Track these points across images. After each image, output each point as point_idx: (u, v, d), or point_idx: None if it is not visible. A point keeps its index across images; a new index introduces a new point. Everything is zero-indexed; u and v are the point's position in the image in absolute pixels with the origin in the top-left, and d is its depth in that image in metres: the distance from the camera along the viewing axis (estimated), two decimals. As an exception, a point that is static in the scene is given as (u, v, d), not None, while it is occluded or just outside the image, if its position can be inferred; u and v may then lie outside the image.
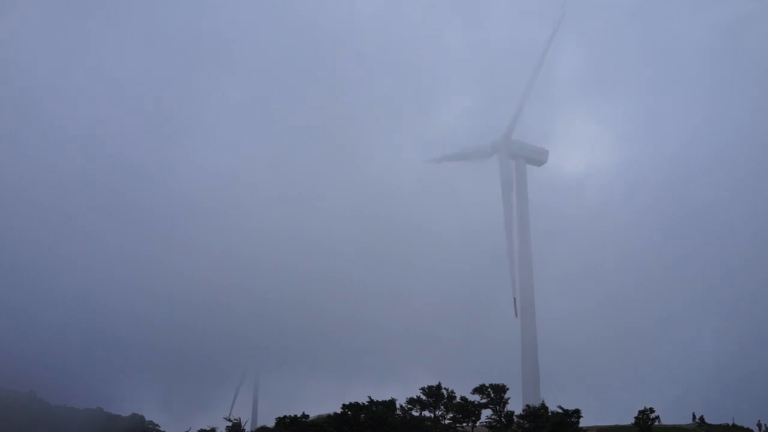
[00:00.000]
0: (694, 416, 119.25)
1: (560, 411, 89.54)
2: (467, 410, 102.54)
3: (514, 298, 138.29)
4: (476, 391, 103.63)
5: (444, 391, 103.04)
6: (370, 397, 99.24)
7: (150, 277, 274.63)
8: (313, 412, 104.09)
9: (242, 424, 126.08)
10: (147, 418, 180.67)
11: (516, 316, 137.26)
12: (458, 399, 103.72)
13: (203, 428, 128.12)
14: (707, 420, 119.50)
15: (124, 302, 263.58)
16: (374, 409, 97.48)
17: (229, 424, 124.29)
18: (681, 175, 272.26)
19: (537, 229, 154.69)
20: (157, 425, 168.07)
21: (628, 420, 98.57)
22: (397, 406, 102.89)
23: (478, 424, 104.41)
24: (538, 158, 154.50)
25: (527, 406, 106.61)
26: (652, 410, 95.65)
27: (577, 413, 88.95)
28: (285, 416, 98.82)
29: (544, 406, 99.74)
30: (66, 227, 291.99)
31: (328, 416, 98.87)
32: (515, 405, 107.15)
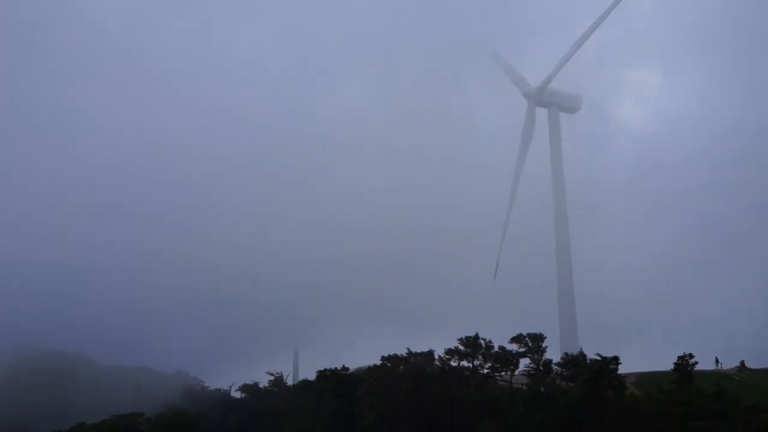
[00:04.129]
0: (743, 363, 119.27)
1: (599, 358, 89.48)
2: (505, 360, 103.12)
3: (497, 263, 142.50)
4: (514, 340, 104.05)
5: (481, 342, 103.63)
6: (408, 349, 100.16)
7: (191, 241, 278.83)
8: (352, 365, 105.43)
9: (284, 378, 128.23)
10: (191, 375, 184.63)
11: (493, 279, 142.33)
12: (496, 349, 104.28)
13: (246, 382, 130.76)
14: (748, 365, 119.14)
15: (168, 264, 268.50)
16: (413, 360, 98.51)
17: (271, 378, 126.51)
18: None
19: (574, 179, 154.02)
20: (202, 381, 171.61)
21: (668, 366, 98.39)
22: (436, 357, 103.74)
23: (516, 373, 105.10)
24: (572, 105, 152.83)
25: (565, 354, 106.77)
26: (691, 356, 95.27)
27: (615, 360, 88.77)
28: (325, 369, 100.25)
29: (582, 354, 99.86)
30: (113, 197, 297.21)
31: (368, 368, 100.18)
32: (553, 354, 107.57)
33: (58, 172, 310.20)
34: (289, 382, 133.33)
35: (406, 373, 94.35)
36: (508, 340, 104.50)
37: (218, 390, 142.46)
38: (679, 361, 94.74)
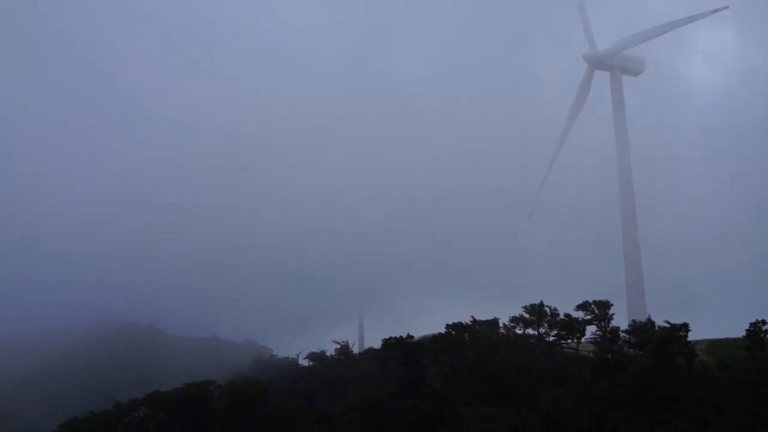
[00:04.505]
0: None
1: (667, 325, 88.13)
2: (571, 327, 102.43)
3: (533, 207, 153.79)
4: (579, 308, 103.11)
5: (546, 309, 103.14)
6: (473, 317, 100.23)
7: (260, 214, 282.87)
8: (417, 334, 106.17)
9: (350, 347, 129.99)
10: (260, 344, 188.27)
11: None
12: (561, 316, 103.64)
13: (313, 351, 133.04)
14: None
15: (238, 237, 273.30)
16: (477, 328, 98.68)
17: (338, 346, 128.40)
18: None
19: (639, 143, 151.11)
20: (270, 350, 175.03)
21: (739, 333, 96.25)
22: (500, 325, 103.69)
23: (582, 340, 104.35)
24: (635, 68, 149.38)
25: (633, 321, 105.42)
26: (764, 322, 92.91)
27: (685, 327, 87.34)
28: (391, 338, 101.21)
29: (650, 321, 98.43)
30: (177, 167, 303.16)
31: (433, 337, 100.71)
32: (620, 321, 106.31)
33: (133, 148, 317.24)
34: (355, 350, 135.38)
35: (470, 341, 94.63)
36: (574, 307, 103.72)
37: (286, 358, 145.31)
38: (752, 328, 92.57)
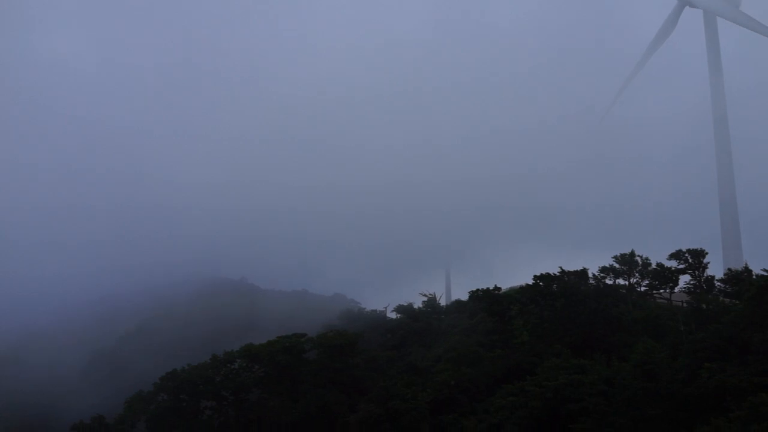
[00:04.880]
0: None
1: (765, 274, 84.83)
2: (664, 277, 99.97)
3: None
4: (672, 256, 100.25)
5: (638, 259, 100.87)
6: (561, 268, 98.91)
7: (345, 167, 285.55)
8: (504, 285, 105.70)
9: (437, 298, 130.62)
10: (348, 297, 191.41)
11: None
12: (653, 266, 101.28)
13: (400, 303, 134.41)
14: None
15: (324, 190, 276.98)
16: (566, 279, 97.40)
17: (425, 298, 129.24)
18: None
19: (735, 86, 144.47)
20: (358, 303, 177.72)
21: None
22: (590, 275, 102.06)
23: (675, 290, 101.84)
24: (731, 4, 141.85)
25: (729, 270, 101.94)
26: None
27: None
28: (477, 289, 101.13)
29: (747, 270, 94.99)
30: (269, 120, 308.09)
31: (520, 287, 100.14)
32: (715, 270, 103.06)
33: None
34: (442, 302, 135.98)
35: (559, 292, 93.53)
36: (667, 256, 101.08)
37: (374, 311, 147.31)
38: None
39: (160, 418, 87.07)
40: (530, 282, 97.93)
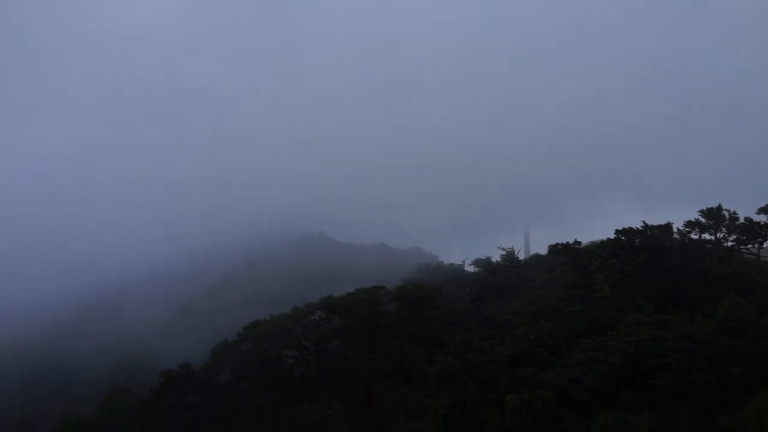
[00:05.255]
0: None
1: None
2: (752, 232, 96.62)
3: None
4: (762, 211, 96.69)
5: (725, 213, 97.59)
6: (644, 222, 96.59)
7: (426, 122, 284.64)
8: (585, 239, 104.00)
9: (515, 253, 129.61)
10: (426, 251, 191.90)
11: None
12: (741, 220, 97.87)
13: (479, 257, 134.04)
14: None
15: (402, 143, 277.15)
16: (649, 233, 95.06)
17: (503, 252, 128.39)
18: None
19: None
20: (436, 256, 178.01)
21: None
22: (674, 230, 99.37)
23: (764, 245, 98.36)
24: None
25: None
26: None
27: None
28: (557, 244, 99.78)
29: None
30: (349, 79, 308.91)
31: (601, 242, 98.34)
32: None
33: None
34: (521, 256, 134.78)
35: (642, 246, 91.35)
36: (756, 210, 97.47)
37: (452, 265, 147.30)
38: None
39: (243, 366, 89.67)
40: (612, 237, 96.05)
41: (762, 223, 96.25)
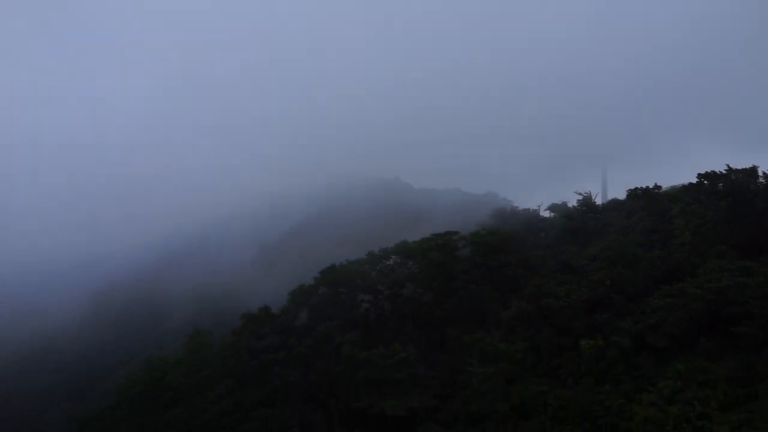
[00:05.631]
0: None
1: None
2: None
3: None
4: None
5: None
6: (728, 165, 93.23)
7: (502, 60, 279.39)
8: (665, 183, 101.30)
9: (592, 197, 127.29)
10: (501, 196, 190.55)
11: None
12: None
13: (555, 202, 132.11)
14: None
15: (476, 87, 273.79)
16: (733, 177, 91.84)
17: (580, 197, 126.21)
18: None
19: None
20: (511, 201, 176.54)
21: None
22: (759, 173, 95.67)
23: None
24: None
25: None
26: None
27: None
28: (636, 188, 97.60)
29: None
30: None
31: (682, 186, 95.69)
32: None
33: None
34: (598, 201, 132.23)
35: (725, 191, 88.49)
36: None
37: (527, 210, 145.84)
38: None
39: (320, 309, 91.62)
40: (693, 181, 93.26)
41: None
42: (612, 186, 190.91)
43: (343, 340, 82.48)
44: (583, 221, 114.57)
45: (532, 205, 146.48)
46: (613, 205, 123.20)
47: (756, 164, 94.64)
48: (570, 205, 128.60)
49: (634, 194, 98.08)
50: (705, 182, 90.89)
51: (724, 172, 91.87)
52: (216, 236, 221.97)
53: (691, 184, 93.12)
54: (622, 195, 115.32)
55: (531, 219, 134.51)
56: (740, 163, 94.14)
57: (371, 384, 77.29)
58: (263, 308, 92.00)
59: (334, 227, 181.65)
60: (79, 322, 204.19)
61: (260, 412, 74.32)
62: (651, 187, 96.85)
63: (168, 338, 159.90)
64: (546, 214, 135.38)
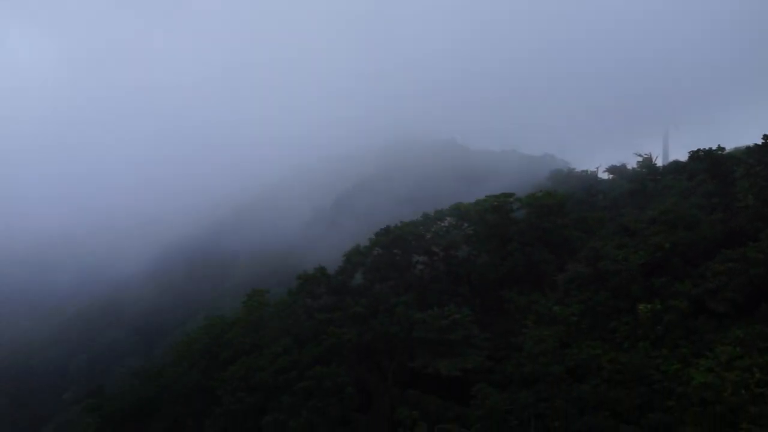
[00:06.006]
0: None
1: None
2: None
3: None
4: None
5: None
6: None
7: (561, 20, 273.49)
8: (729, 145, 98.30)
9: (653, 159, 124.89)
10: (558, 157, 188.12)
11: None
12: None
13: (614, 164, 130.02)
14: None
15: (534, 45, 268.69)
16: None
17: (640, 159, 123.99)
18: None
19: None
20: (568, 162, 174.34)
21: None
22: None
23: None
24: None
25: None
26: None
27: None
28: (698, 149, 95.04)
29: None
30: None
31: (747, 148, 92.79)
32: None
33: None
34: (659, 163, 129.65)
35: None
36: None
37: (585, 172, 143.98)
38: None
39: (375, 270, 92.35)
40: (759, 142, 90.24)
41: None
42: (673, 148, 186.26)
43: (398, 301, 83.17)
44: (643, 183, 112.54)
45: (590, 167, 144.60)
46: (674, 167, 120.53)
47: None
48: (630, 167, 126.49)
49: (696, 156, 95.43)
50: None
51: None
52: (273, 197, 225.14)
53: (756, 145, 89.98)
54: (683, 157, 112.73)
55: (589, 181, 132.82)
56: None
57: (426, 344, 78.03)
58: (319, 268, 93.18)
59: (390, 189, 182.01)
60: (144, 281, 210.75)
61: (316, 371, 75.72)
62: (714, 148, 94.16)
63: (227, 298, 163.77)
64: (605, 176, 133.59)
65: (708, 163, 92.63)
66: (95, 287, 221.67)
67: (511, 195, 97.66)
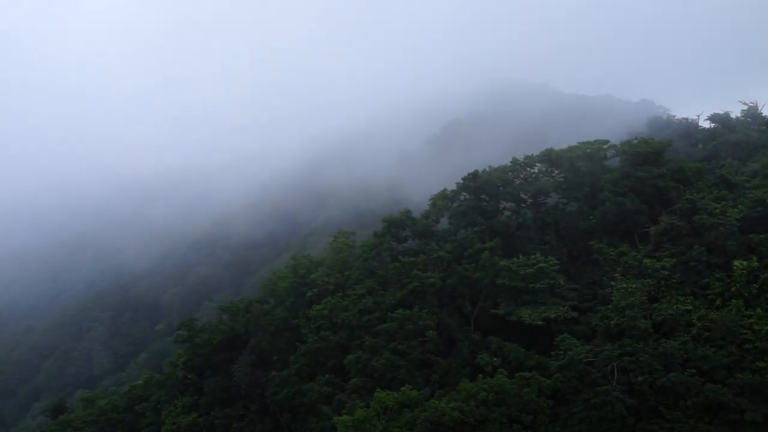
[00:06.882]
0: None
1: None
2: None
3: None
4: None
5: None
6: None
7: None
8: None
9: (758, 108, 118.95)
10: (657, 104, 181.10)
11: None
12: None
13: (716, 112, 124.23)
14: None
15: None
16: None
17: (745, 107, 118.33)
18: None
19: None
20: (668, 110, 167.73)
21: None
22: None
23: None
24: None
25: None
26: None
27: None
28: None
29: None
30: None
31: None
32: None
33: None
34: (765, 112, 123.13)
35: None
36: None
37: (685, 120, 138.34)
38: None
39: (461, 215, 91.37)
40: None
41: None
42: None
43: (482, 247, 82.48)
44: (747, 134, 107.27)
45: (690, 115, 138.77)
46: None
47: None
48: (733, 115, 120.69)
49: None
50: None
51: None
52: (370, 136, 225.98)
53: None
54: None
55: (688, 129, 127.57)
56: None
57: (509, 292, 77.47)
58: (405, 212, 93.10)
59: (480, 132, 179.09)
60: (239, 216, 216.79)
61: (398, 313, 76.40)
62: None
63: (313, 237, 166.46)
64: (706, 124, 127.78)
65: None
66: (198, 220, 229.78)
67: (604, 142, 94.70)
